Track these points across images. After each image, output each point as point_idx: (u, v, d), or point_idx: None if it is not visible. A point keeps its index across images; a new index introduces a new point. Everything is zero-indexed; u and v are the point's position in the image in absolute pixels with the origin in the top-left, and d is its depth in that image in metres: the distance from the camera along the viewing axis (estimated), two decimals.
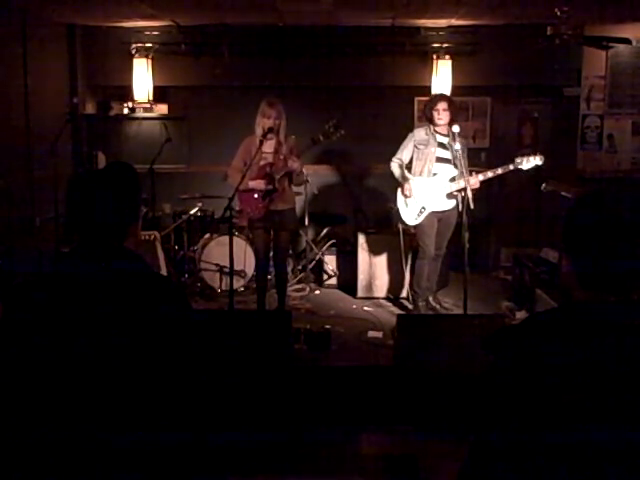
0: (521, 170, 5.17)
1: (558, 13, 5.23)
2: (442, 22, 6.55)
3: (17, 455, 1.64)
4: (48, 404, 1.62)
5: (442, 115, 5.22)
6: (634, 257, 1.33)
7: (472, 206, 4.91)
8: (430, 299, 5.66)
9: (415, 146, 5.37)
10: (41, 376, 1.62)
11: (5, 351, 1.67)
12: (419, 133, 5.42)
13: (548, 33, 5.69)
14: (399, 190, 5.43)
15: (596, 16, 6.16)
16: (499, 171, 5.17)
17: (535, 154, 5.18)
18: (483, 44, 6.89)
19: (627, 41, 6.47)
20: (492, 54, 6.88)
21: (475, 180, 5.11)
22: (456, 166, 5.23)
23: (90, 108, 7.20)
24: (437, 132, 5.32)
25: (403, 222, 5.49)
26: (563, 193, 5.44)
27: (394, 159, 5.44)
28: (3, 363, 1.67)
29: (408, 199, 5.36)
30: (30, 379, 1.63)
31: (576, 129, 6.95)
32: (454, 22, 6.48)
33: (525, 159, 5.13)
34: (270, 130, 4.91)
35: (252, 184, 4.98)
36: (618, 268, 1.34)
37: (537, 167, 5.20)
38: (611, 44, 6.40)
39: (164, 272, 5.66)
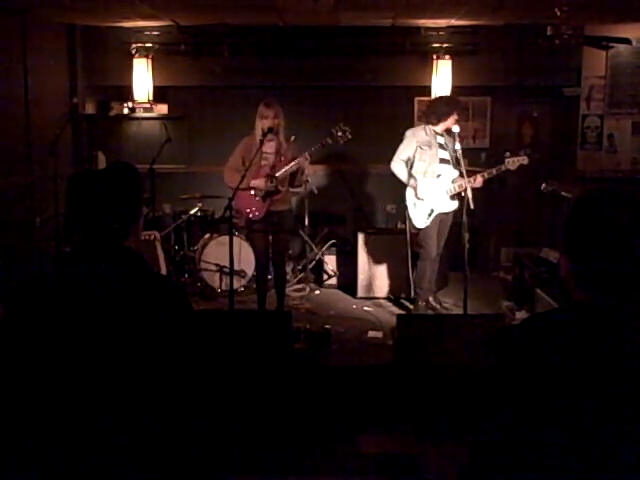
0: (510, 170, 5.20)
1: (558, 13, 5.24)
2: (442, 22, 6.54)
3: (16, 455, 1.64)
4: (48, 404, 1.62)
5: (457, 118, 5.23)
6: (634, 259, 1.33)
7: (472, 206, 4.91)
8: (430, 299, 5.65)
9: (419, 147, 5.30)
10: (41, 376, 1.62)
11: (5, 351, 1.67)
12: (419, 134, 5.35)
13: (548, 33, 5.70)
14: (408, 192, 5.37)
15: (596, 16, 6.16)
16: (494, 172, 5.20)
17: (524, 153, 5.22)
18: (483, 44, 6.89)
19: (627, 41, 6.48)
20: (492, 54, 6.88)
21: (479, 180, 5.13)
22: (454, 167, 5.23)
23: (90, 108, 7.20)
24: (436, 132, 5.30)
25: (413, 225, 5.43)
26: (563, 193, 5.45)
27: (397, 160, 5.36)
28: (3, 363, 1.67)
29: (418, 201, 5.32)
30: (30, 379, 1.63)
31: (576, 129, 6.95)
32: (454, 22, 6.47)
33: (512, 160, 5.16)
34: (270, 130, 4.90)
35: (254, 183, 4.98)
36: (617, 270, 1.34)
37: (532, 164, 5.22)
38: (611, 44, 6.42)
39: (164, 272, 5.66)
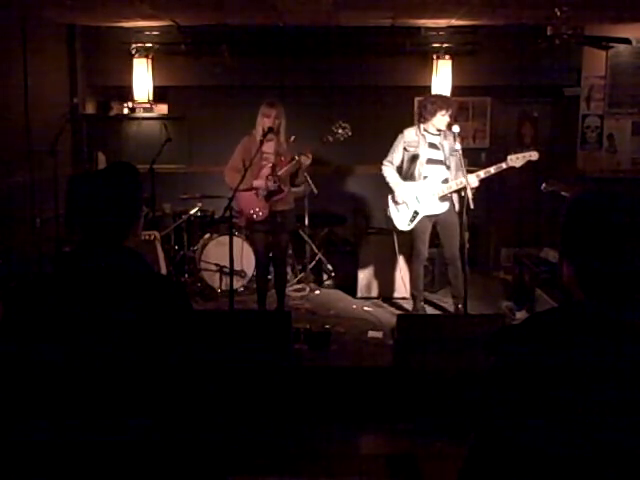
0: (514, 167, 5.03)
1: (558, 13, 5.24)
2: (442, 22, 6.54)
3: (17, 455, 1.64)
4: (49, 404, 1.62)
5: (448, 120, 5.11)
6: (632, 258, 1.33)
7: (472, 206, 4.90)
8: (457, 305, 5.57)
9: (404, 148, 5.26)
10: (41, 376, 1.62)
11: (5, 351, 1.67)
12: (409, 134, 5.28)
13: (548, 33, 5.70)
14: (390, 195, 5.33)
15: (596, 16, 6.16)
16: (492, 170, 5.03)
17: (528, 150, 5.04)
18: (483, 44, 6.89)
19: (627, 41, 6.49)
20: (492, 54, 6.88)
21: (474, 179, 5.02)
22: (448, 167, 5.14)
23: (90, 108, 7.20)
24: (428, 132, 5.20)
25: (395, 227, 5.40)
26: (563, 193, 5.44)
27: (385, 162, 5.32)
28: (3, 363, 1.67)
29: (399, 205, 5.28)
30: (30, 379, 1.63)
31: (576, 129, 6.95)
32: (454, 22, 6.47)
33: (517, 156, 4.99)
34: (270, 130, 4.90)
35: (257, 183, 4.97)
36: (617, 270, 1.34)
37: (532, 163, 5.04)
38: (611, 44, 6.42)
39: (164, 272, 5.66)
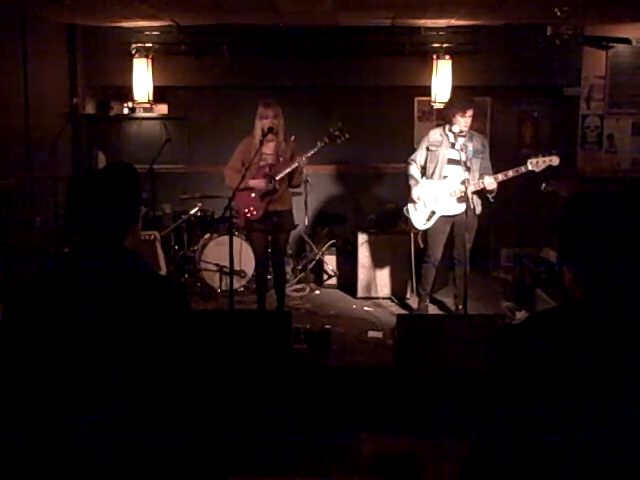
0: (534, 172, 4.93)
1: (558, 13, 5.24)
2: (442, 22, 6.54)
3: (17, 457, 1.64)
4: (49, 404, 1.62)
5: (469, 121, 5.07)
6: (633, 259, 1.33)
7: (476, 210, 4.91)
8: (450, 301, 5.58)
9: (427, 147, 5.26)
10: (41, 376, 1.62)
11: (5, 351, 1.67)
12: (434, 134, 5.29)
13: (548, 33, 5.70)
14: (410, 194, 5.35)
15: (596, 16, 6.16)
16: (510, 174, 4.98)
17: (550, 154, 4.91)
18: (483, 44, 6.88)
19: (627, 41, 6.49)
20: (492, 54, 6.87)
21: (493, 182, 4.98)
22: (469, 169, 5.04)
23: (90, 108, 7.20)
24: (452, 132, 5.16)
25: (413, 226, 5.40)
26: (563, 193, 5.44)
27: (409, 160, 5.35)
28: (3, 363, 1.67)
29: (418, 203, 5.27)
30: (30, 379, 1.63)
31: (576, 129, 6.95)
32: (454, 22, 6.47)
33: (537, 160, 4.91)
34: (270, 130, 4.90)
35: (252, 183, 4.98)
36: (619, 272, 1.34)
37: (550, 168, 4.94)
38: (611, 44, 6.42)
39: (164, 272, 5.66)
